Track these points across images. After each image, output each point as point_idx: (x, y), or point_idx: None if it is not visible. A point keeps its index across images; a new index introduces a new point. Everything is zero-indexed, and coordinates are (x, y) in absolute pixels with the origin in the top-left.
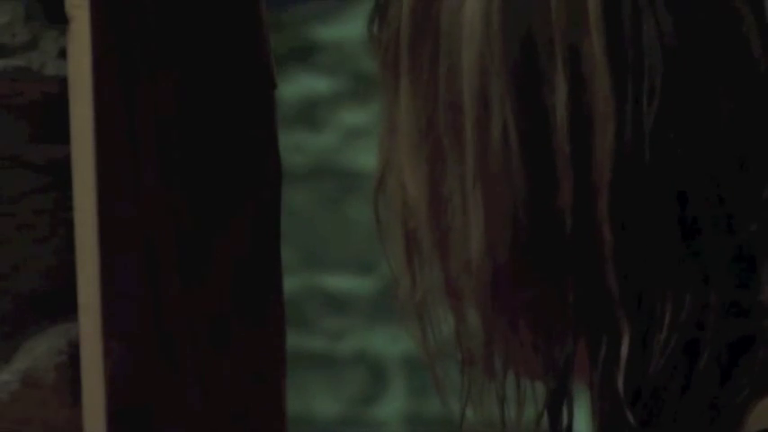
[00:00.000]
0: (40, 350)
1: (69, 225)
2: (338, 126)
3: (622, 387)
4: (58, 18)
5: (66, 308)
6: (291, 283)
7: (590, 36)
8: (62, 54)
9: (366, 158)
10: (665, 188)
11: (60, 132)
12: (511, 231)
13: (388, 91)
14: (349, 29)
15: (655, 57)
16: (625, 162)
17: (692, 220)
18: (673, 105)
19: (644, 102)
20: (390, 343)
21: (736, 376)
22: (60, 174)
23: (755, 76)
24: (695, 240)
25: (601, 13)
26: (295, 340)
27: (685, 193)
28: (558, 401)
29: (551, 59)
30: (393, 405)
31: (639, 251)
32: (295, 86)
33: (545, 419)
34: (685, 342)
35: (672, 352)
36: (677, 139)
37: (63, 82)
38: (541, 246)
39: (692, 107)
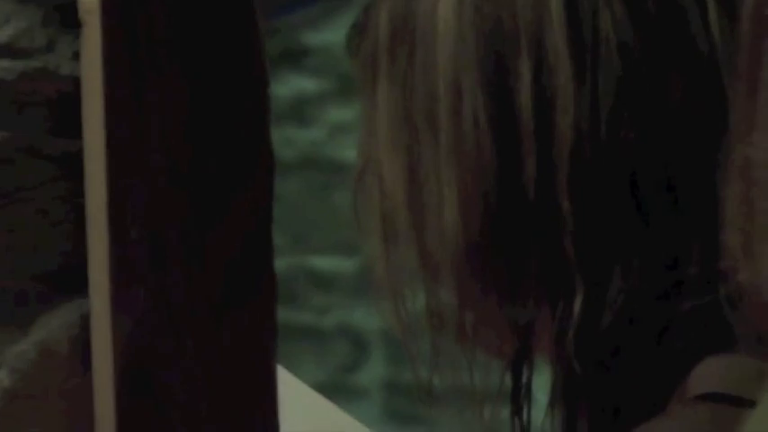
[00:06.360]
0: (55, 323)
1: (81, 211)
2: (325, 122)
3: (572, 340)
4: (72, 23)
5: (79, 285)
6: (282, 264)
7: (552, 29)
8: (76, 56)
9: (350, 151)
10: (619, 164)
11: (74, 127)
12: (481, 205)
13: (366, 95)
14: (335, 34)
15: (611, 46)
16: (583, 140)
17: (642, 194)
18: (627, 90)
19: (600, 87)
20: (370, 317)
21: (671, 337)
22: (74, 165)
23: (701, 64)
24: (644, 212)
25: (562, 8)
26: (285, 315)
27: (637, 169)
28: (519, 360)
29: (517, 50)
30: (373, 373)
31: (595, 220)
32: (286, 86)
33: (507, 377)
34: (630, 303)
35: (619, 310)
36: (631, 120)
37: (77, 81)
38: (509, 216)
39: (644, 91)
